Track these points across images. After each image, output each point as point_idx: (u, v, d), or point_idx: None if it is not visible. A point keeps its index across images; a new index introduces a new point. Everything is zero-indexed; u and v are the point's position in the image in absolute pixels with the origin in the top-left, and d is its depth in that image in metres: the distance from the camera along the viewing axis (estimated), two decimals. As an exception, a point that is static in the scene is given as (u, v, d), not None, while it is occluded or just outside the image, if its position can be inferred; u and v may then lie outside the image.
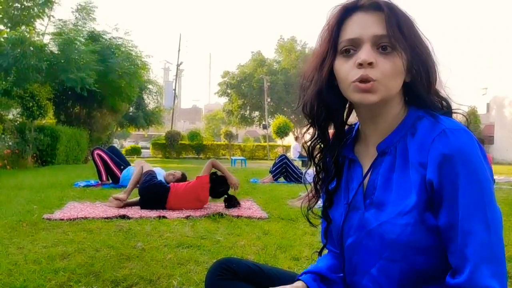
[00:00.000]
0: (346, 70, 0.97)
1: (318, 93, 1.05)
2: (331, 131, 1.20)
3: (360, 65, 0.94)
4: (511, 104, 31.17)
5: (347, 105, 1.12)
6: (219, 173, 5.05)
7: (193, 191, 4.84)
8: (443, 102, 1.02)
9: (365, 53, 0.94)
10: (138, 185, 5.13)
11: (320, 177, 1.16)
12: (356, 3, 0.99)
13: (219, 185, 4.94)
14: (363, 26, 0.96)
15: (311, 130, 1.14)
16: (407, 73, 0.97)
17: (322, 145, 1.14)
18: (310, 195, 1.20)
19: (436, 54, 1.01)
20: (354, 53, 0.97)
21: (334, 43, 1.00)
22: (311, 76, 1.07)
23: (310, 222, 1.20)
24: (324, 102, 1.06)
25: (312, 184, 1.18)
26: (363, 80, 0.94)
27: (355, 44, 0.97)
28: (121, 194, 4.98)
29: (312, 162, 1.16)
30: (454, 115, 1.02)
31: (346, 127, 1.15)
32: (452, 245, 0.89)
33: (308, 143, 1.15)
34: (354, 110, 1.11)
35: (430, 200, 0.92)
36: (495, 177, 10.08)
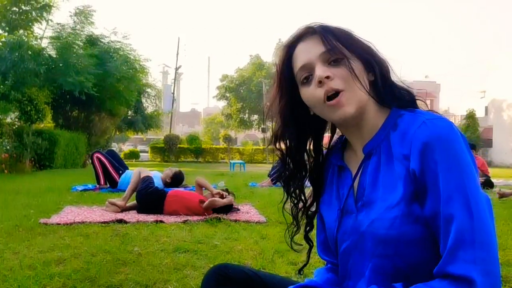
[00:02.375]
0: (311, 94, 1.02)
1: (281, 126, 1.13)
2: (327, 135, 1.20)
3: (320, 82, 0.99)
4: (510, 107, 31.25)
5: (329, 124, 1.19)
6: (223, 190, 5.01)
7: (191, 197, 4.82)
8: (404, 91, 1.06)
9: (318, 71, 0.99)
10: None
11: (299, 206, 1.19)
12: (294, 38, 1.06)
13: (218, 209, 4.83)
14: (308, 51, 1.02)
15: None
16: (368, 73, 1.02)
17: (299, 175, 1.18)
18: (292, 225, 1.22)
19: (381, 51, 1.07)
20: (312, 78, 1.02)
21: (289, 80, 1.07)
22: (274, 112, 1.13)
23: (293, 249, 1.23)
24: (291, 132, 1.13)
25: (292, 215, 1.21)
26: (330, 94, 0.98)
27: (309, 69, 1.02)
28: (118, 201, 4.94)
29: (289, 197, 1.19)
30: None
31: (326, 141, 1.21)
32: (438, 233, 0.89)
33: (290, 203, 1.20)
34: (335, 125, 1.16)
35: (416, 191, 0.92)
36: (494, 180, 10.08)
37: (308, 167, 1.18)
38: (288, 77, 1.07)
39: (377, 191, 0.99)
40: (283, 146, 1.15)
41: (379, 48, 1.06)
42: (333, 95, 0.98)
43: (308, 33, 1.04)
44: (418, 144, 0.91)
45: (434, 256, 0.92)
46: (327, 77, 0.98)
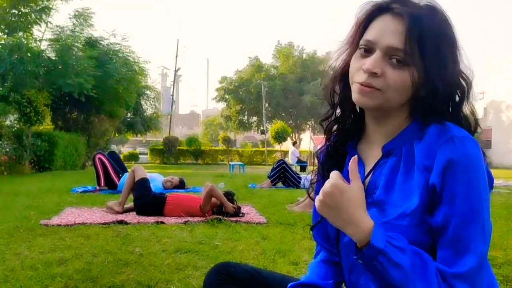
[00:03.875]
0: (355, 69, 0.98)
1: (333, 79, 1.09)
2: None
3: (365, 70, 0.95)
4: (508, 109, 31.28)
5: None
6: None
7: (190, 201, 4.81)
8: (463, 122, 0.99)
9: (370, 62, 0.93)
10: (132, 194, 5.02)
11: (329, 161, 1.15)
12: (389, 4, 0.97)
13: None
14: (382, 32, 0.95)
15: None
16: (422, 88, 0.95)
17: (339, 126, 1.14)
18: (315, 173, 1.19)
19: (472, 70, 0.98)
20: (369, 54, 0.96)
21: (359, 37, 1.00)
22: (334, 63, 1.09)
23: (310, 197, 1.18)
24: (342, 86, 1.08)
25: (319, 165, 1.18)
26: (365, 85, 0.95)
27: (371, 46, 0.96)
28: (116, 206, 4.87)
29: (327, 143, 1.17)
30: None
31: None
32: (441, 244, 0.91)
33: (327, 122, 1.16)
34: None
35: (430, 203, 0.92)
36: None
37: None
38: (360, 34, 1.00)
39: (392, 194, 0.98)
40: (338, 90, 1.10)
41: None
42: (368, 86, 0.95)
43: (400, 12, 0.94)
44: (442, 159, 0.90)
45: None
46: (374, 73, 0.93)
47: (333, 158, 1.14)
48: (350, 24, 1.04)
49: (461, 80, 0.98)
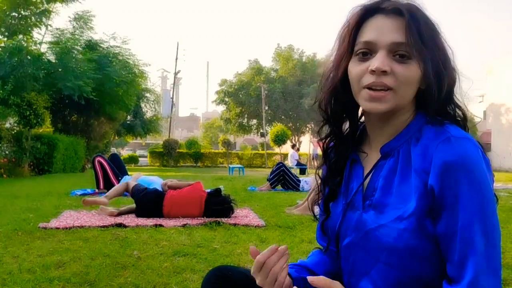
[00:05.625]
0: (359, 74, 0.96)
1: (332, 91, 1.05)
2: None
3: (373, 71, 0.92)
4: (508, 112, 31.30)
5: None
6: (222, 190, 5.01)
7: (189, 196, 4.82)
8: (457, 111, 1.00)
9: (379, 61, 0.92)
10: (130, 195, 5.10)
11: (332, 174, 1.13)
12: (378, 5, 0.97)
13: (215, 203, 4.78)
14: (382, 31, 0.94)
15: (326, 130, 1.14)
16: (427, 79, 0.95)
17: (336, 142, 1.12)
18: (316, 191, 1.18)
19: (456, 62, 0.99)
20: (369, 57, 0.95)
21: (352, 43, 0.99)
22: (328, 74, 1.06)
23: (315, 217, 1.19)
24: (338, 100, 1.06)
25: (320, 181, 1.16)
26: (376, 86, 0.93)
27: (371, 48, 0.95)
28: (102, 200, 4.98)
29: (325, 160, 1.15)
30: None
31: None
32: (451, 254, 0.88)
33: (323, 141, 1.14)
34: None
35: (430, 207, 0.90)
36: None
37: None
38: (352, 40, 0.98)
39: (389, 197, 0.97)
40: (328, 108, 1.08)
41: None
42: (379, 87, 0.93)
43: (393, 9, 0.95)
44: (439, 161, 0.88)
45: (438, 273, 0.92)
46: (384, 72, 0.91)
47: (335, 174, 1.13)
48: (336, 32, 1.04)
49: (454, 70, 0.99)
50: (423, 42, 0.92)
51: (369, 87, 0.93)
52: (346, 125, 1.11)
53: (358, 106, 1.08)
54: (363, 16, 0.98)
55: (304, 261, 1.18)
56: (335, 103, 1.06)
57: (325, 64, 1.08)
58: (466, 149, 0.88)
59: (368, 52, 0.95)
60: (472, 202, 0.86)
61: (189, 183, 5.12)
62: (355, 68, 0.97)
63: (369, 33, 0.95)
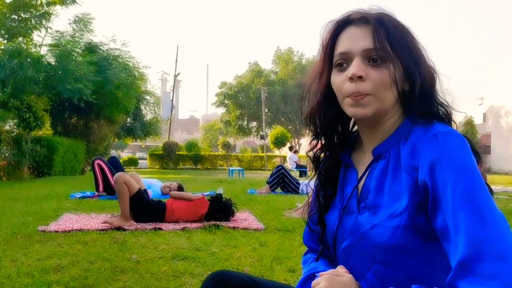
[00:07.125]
0: (340, 83, 1.01)
1: (317, 105, 1.10)
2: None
3: (351, 78, 0.97)
4: (508, 114, 31.31)
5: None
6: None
7: (191, 211, 4.78)
8: (441, 109, 1.03)
9: (354, 67, 0.97)
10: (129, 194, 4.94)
11: (323, 187, 1.16)
12: (347, 18, 1.03)
13: (217, 211, 4.77)
14: (353, 40, 1.00)
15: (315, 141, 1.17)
16: (405, 82, 1.00)
17: (326, 153, 1.16)
18: (311, 204, 1.20)
19: (434, 61, 1.03)
20: (347, 66, 1.00)
21: (330, 57, 1.05)
22: (310, 88, 1.11)
23: (311, 228, 1.20)
24: (325, 113, 1.10)
25: (314, 193, 1.18)
26: (355, 95, 0.97)
27: (347, 58, 1.00)
28: (123, 222, 4.52)
29: (316, 172, 1.18)
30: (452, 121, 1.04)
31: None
32: (448, 246, 0.85)
33: (312, 152, 1.17)
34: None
35: (423, 203, 0.90)
36: (492, 187, 10.05)
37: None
38: (330, 54, 1.05)
39: (382, 197, 0.99)
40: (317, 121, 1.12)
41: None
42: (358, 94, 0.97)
43: (361, 19, 1.01)
44: (428, 157, 0.89)
45: (435, 270, 0.92)
46: (360, 77, 0.96)
47: (326, 187, 1.15)
48: (314, 45, 1.10)
49: (431, 68, 1.02)
50: (391, 45, 0.97)
51: (351, 95, 0.98)
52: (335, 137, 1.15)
53: (344, 118, 1.12)
54: (336, 30, 1.04)
55: (316, 267, 1.16)
56: (322, 116, 1.11)
57: (307, 80, 1.13)
58: (453, 143, 0.89)
59: (345, 62, 1.01)
60: (460, 189, 0.83)
61: (191, 198, 4.93)
62: (336, 79, 1.03)
63: (343, 44, 1.02)
